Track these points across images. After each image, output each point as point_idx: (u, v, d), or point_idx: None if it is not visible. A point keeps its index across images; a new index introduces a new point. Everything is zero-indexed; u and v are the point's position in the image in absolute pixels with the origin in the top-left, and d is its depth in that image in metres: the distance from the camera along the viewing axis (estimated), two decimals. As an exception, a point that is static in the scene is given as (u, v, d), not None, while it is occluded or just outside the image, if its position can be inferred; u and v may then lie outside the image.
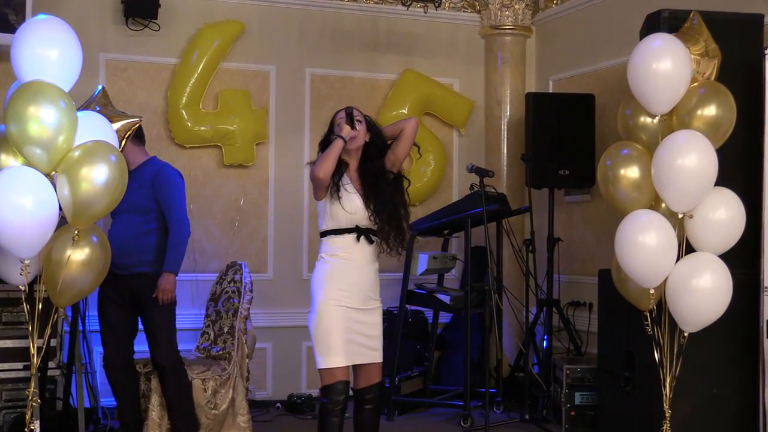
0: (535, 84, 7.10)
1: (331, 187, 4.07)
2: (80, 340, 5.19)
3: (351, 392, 4.13)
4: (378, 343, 4.15)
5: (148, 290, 4.77)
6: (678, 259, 4.10)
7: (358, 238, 4.09)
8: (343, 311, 4.03)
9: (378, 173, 4.15)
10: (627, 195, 4.17)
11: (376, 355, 4.13)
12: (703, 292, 4.04)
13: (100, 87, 4.86)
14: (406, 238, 4.22)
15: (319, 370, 4.03)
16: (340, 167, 4.11)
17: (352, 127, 4.07)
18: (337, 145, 4.04)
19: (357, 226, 4.08)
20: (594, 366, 5.56)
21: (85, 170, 3.86)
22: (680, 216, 4.07)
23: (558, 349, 6.36)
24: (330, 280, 4.06)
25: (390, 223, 4.12)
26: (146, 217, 4.83)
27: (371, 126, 4.22)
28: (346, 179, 4.10)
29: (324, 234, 4.13)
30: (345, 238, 4.09)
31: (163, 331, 4.84)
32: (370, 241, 4.11)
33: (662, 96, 4.06)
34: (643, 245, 4.03)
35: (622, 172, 4.17)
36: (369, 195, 4.11)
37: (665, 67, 4.02)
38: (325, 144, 4.16)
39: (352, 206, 4.06)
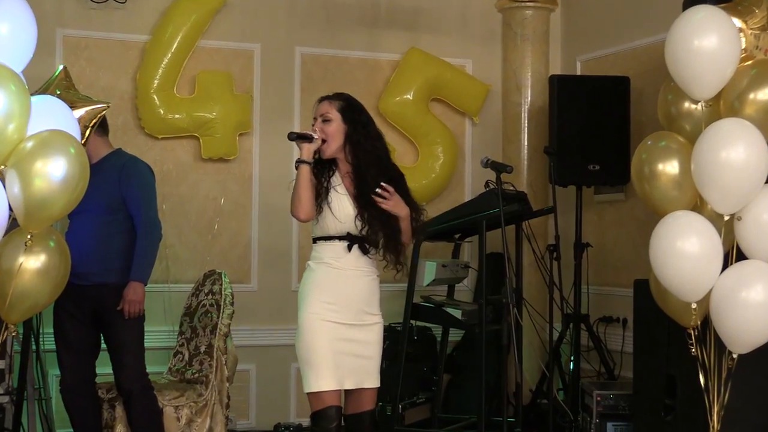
0: (561, 65, 7.10)
1: (320, 190, 4.08)
2: (33, 361, 5.18)
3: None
4: (373, 365, 4.16)
5: (113, 303, 4.77)
6: (724, 269, 4.09)
7: (349, 247, 4.08)
8: (330, 327, 4.04)
9: (371, 177, 4.13)
10: (665, 194, 4.17)
11: (370, 379, 4.15)
12: (753, 306, 4.03)
13: (60, 67, 4.86)
14: (402, 251, 4.20)
15: (308, 394, 4.06)
16: (330, 166, 4.10)
17: (308, 140, 4.06)
18: (303, 174, 4.05)
19: (348, 233, 4.08)
20: (629, 392, 5.56)
21: (39, 164, 3.86)
22: (726, 218, 4.06)
23: (587, 372, 6.36)
24: (314, 291, 4.08)
25: (386, 234, 4.12)
26: (110, 219, 4.83)
27: (345, 111, 4.18)
28: (336, 179, 4.09)
29: (314, 240, 4.17)
30: (335, 245, 4.10)
31: (130, 350, 4.85)
32: (365, 251, 4.10)
33: (706, 78, 4.05)
34: (683, 252, 4.03)
35: (660, 167, 4.16)
36: (362, 200, 4.11)
37: (709, 44, 4.01)
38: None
39: (341, 213, 4.09)
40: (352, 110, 4.20)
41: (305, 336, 4.04)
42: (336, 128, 4.13)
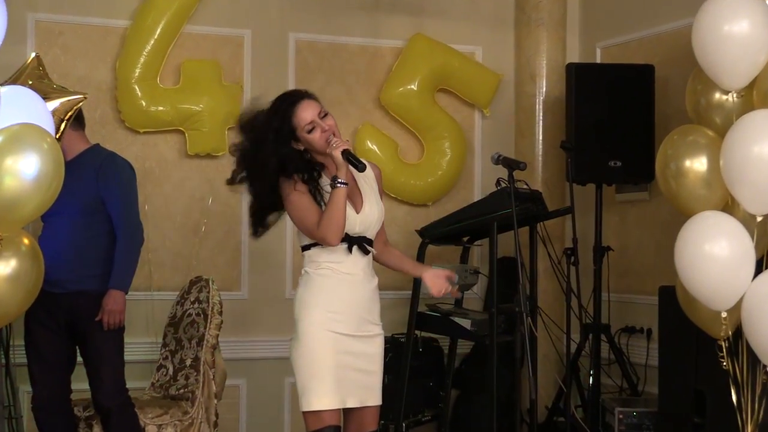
0: (579, 53, 7.10)
1: (312, 192, 4.05)
2: (3, 376, 5.17)
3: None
4: (376, 380, 4.15)
5: (90, 313, 4.78)
6: (757, 274, 4.08)
7: (350, 249, 4.08)
8: (333, 338, 4.02)
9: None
10: (693, 193, 4.17)
11: (372, 397, 4.13)
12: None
13: (33, 54, 4.85)
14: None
15: (304, 413, 4.03)
16: (314, 167, 4.08)
17: (359, 167, 3.99)
18: (343, 196, 3.97)
19: (347, 233, 4.07)
20: (654, 409, 5.57)
21: (9, 161, 3.87)
22: (759, 219, 4.05)
23: (608, 388, 6.35)
24: (316, 299, 4.07)
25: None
26: (87, 221, 4.84)
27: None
28: (325, 180, 4.07)
29: (307, 247, 4.13)
30: (334, 249, 4.08)
31: (108, 364, 4.86)
32: (366, 252, 4.10)
33: (737, 66, 4.06)
34: (711, 256, 4.03)
35: (688, 163, 4.18)
36: (357, 194, 4.12)
37: (740, 29, 4.01)
38: (284, 167, 4.04)
39: None
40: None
41: (306, 348, 4.02)
42: (334, 121, 4.10)
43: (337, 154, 3.96)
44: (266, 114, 4.07)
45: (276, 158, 4.01)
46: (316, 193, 4.05)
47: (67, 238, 4.79)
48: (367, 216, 4.11)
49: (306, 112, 4.03)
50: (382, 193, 4.31)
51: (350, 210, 4.07)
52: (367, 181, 4.19)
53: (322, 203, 4.04)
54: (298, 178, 4.03)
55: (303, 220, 4.04)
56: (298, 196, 4.02)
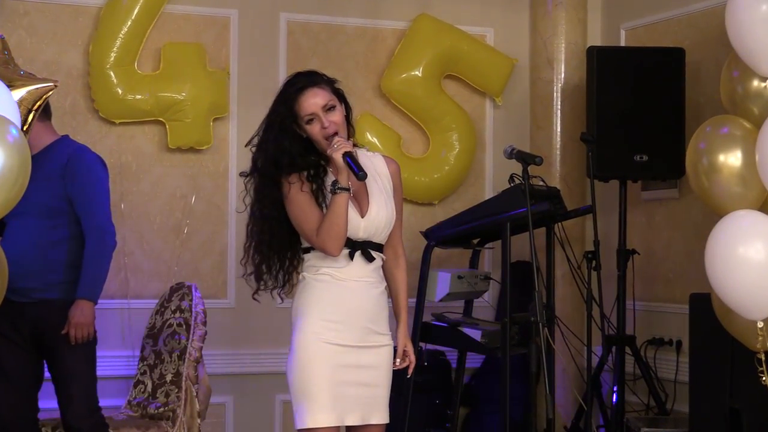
0: (601, 35, 7.11)
1: (315, 191, 4.05)
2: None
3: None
4: (382, 394, 4.14)
5: (56, 324, 4.78)
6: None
7: (351, 255, 4.06)
8: (332, 351, 4.02)
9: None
10: (727, 190, 4.18)
11: (377, 414, 4.12)
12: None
13: (-1, 36, 4.86)
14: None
15: (298, 431, 4.03)
16: (320, 164, 4.07)
17: (359, 175, 3.96)
18: (344, 202, 3.97)
19: (349, 238, 4.07)
20: (685, 429, 5.59)
21: (-30, 156, 3.85)
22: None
23: (633, 405, 6.37)
24: (313, 308, 4.06)
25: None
26: (54, 222, 4.85)
27: (340, 94, 4.15)
28: (330, 179, 4.07)
29: (306, 250, 4.14)
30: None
31: (78, 380, 4.87)
32: (370, 259, 4.09)
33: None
34: (746, 260, 4.02)
35: (721, 158, 4.18)
36: (364, 195, 4.11)
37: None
38: (277, 160, 4.04)
39: None
40: (339, 89, 4.17)
41: (300, 360, 4.02)
42: (341, 117, 4.10)
43: (338, 156, 3.95)
44: (275, 98, 4.11)
45: (273, 147, 4.03)
46: (318, 194, 4.04)
47: (31, 241, 4.80)
48: (373, 220, 4.09)
49: (308, 102, 4.03)
50: (401, 191, 4.27)
51: (354, 213, 4.06)
52: (378, 180, 4.17)
53: (324, 205, 4.03)
54: (303, 177, 4.04)
55: (301, 225, 4.03)
56: (297, 194, 4.02)
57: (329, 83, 4.12)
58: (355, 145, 4.18)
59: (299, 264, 4.15)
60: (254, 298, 4.20)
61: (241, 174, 4.18)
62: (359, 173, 3.92)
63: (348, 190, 3.97)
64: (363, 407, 4.08)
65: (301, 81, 4.09)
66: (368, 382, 4.09)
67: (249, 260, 4.14)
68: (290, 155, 4.04)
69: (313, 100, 4.04)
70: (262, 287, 4.16)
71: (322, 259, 4.08)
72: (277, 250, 4.12)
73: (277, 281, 4.16)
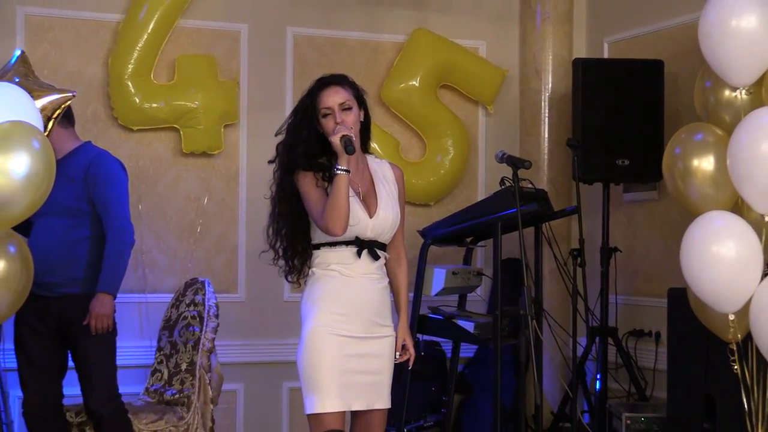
0: (586, 48, 7.09)
1: (327, 189, 4.08)
2: (-7, 381, 5.21)
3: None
4: (385, 381, 4.17)
5: (79, 317, 4.78)
6: (766, 275, 4.09)
7: (359, 253, 4.09)
8: (338, 341, 4.05)
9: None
10: (701, 193, 4.18)
11: (380, 400, 4.15)
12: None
13: (18, 52, 4.86)
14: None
15: (307, 416, 4.05)
16: (331, 163, 4.09)
17: (347, 149, 4.01)
18: (345, 184, 4.00)
19: (357, 237, 4.09)
20: (662, 414, 5.56)
21: (-1, 159, 3.86)
22: (767, 219, 4.06)
23: (615, 392, 6.35)
24: (322, 301, 4.09)
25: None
26: (77, 222, 4.84)
27: (360, 97, 4.20)
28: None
29: (317, 246, 4.16)
30: (342, 252, 4.11)
31: (99, 369, 4.86)
32: (376, 257, 4.11)
33: (744, 62, 4.06)
34: (718, 257, 4.04)
35: (696, 163, 4.19)
36: (373, 197, 4.15)
37: (748, 24, 4.02)
38: (303, 141, 4.13)
39: (351, 216, 4.07)
40: (362, 95, 4.21)
41: (310, 350, 4.04)
42: (355, 118, 4.13)
43: (335, 139, 3.99)
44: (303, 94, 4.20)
45: (292, 135, 4.12)
46: (329, 184, 4.08)
47: (56, 239, 4.79)
48: (381, 221, 4.13)
49: (328, 97, 4.09)
50: (404, 196, 4.32)
51: (363, 214, 4.09)
52: (385, 185, 4.21)
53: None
54: (318, 176, 4.09)
55: (311, 211, 4.08)
56: (312, 188, 4.07)
57: (353, 87, 4.16)
58: (367, 152, 4.24)
59: (309, 258, 4.18)
60: (288, 280, 4.26)
61: (269, 162, 4.25)
62: (348, 147, 3.96)
63: (348, 171, 3.99)
64: (368, 394, 4.10)
65: (328, 79, 4.17)
66: (373, 369, 4.12)
67: (274, 240, 4.22)
68: (306, 144, 4.10)
69: (333, 97, 4.09)
70: (287, 271, 4.22)
71: (330, 256, 4.11)
72: (291, 239, 4.17)
73: (292, 267, 4.20)
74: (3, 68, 4.67)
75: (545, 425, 6.31)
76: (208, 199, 6.43)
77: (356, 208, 4.09)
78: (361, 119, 4.18)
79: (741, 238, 4.06)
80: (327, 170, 4.08)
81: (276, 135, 4.25)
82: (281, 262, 4.24)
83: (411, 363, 4.30)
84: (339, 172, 3.99)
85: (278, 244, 4.21)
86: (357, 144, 4.08)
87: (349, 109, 4.10)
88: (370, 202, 4.14)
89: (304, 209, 4.13)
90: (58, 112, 4.68)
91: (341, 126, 4.03)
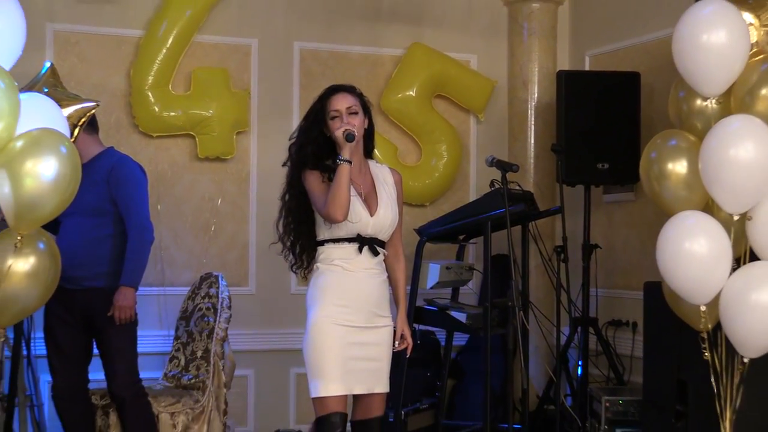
0: (569, 60, 7.09)
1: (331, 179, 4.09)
2: (24, 366, 5.19)
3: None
4: (384, 367, 4.18)
5: (103, 308, 4.78)
6: (734, 270, 4.10)
7: (360, 249, 4.10)
8: (342, 331, 4.05)
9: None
10: (675, 194, 4.18)
11: (379, 384, 4.16)
12: (763, 309, 4.04)
13: (48, 64, 4.86)
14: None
15: (312, 399, 4.07)
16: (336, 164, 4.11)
17: (347, 137, 4.03)
18: (346, 173, 4.01)
19: (359, 235, 4.10)
20: (638, 398, 5.56)
21: (29, 164, 3.86)
22: (736, 218, 4.06)
23: (595, 378, 6.35)
24: (326, 294, 4.10)
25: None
26: (100, 221, 4.83)
27: (365, 105, 4.23)
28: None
29: (321, 243, 4.17)
30: (344, 247, 4.12)
31: (122, 356, 4.86)
32: (375, 253, 4.12)
33: (714, 74, 4.06)
34: (690, 253, 4.03)
35: (670, 166, 4.18)
36: (374, 198, 4.16)
37: (717, 39, 4.01)
38: (312, 141, 4.15)
39: (354, 214, 4.08)
40: (368, 105, 4.23)
41: (315, 339, 4.04)
42: (360, 123, 4.14)
43: (339, 133, 4.02)
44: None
45: (303, 135, 4.15)
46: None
47: (81, 237, 4.78)
48: (381, 220, 4.14)
49: (337, 102, 4.11)
50: (402, 198, 4.33)
51: (365, 212, 4.10)
52: (385, 188, 4.22)
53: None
54: (324, 176, 4.10)
55: (315, 202, 4.09)
56: (318, 183, 4.09)
57: (360, 96, 4.19)
58: (370, 158, 4.25)
59: (314, 253, 4.18)
60: (294, 271, 4.29)
61: (283, 165, 4.26)
62: (348, 136, 4.00)
63: (349, 162, 4.00)
64: (368, 379, 4.11)
65: (338, 86, 4.21)
66: (372, 356, 4.13)
67: (283, 234, 4.25)
68: (315, 145, 4.13)
69: (341, 101, 4.11)
70: (292, 262, 4.24)
71: (334, 253, 4.12)
72: (298, 234, 4.20)
73: (300, 261, 4.22)
74: (33, 79, 4.67)
75: (531, 407, 6.30)
76: (222, 200, 6.42)
77: (358, 207, 4.10)
78: (366, 126, 4.20)
79: (712, 235, 4.06)
80: (332, 171, 4.08)
81: (290, 139, 4.25)
82: (290, 257, 4.23)
83: (409, 352, 4.29)
84: (340, 162, 4.00)
85: (286, 238, 4.21)
86: (359, 137, 4.10)
87: (355, 113, 4.13)
88: (371, 203, 4.15)
89: (311, 207, 4.13)
90: (83, 119, 4.68)
91: (344, 124, 4.06)
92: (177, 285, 6.17)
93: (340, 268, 4.11)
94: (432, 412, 6.36)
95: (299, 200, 4.17)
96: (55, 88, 4.67)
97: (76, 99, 4.71)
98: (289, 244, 4.22)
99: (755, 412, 4.43)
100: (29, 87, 4.51)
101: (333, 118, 4.11)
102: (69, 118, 4.46)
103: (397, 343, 4.23)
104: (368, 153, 4.29)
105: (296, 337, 4.33)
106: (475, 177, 7.03)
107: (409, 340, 4.27)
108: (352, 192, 4.09)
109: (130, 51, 6.22)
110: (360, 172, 4.18)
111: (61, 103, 4.44)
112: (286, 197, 4.23)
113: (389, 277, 4.27)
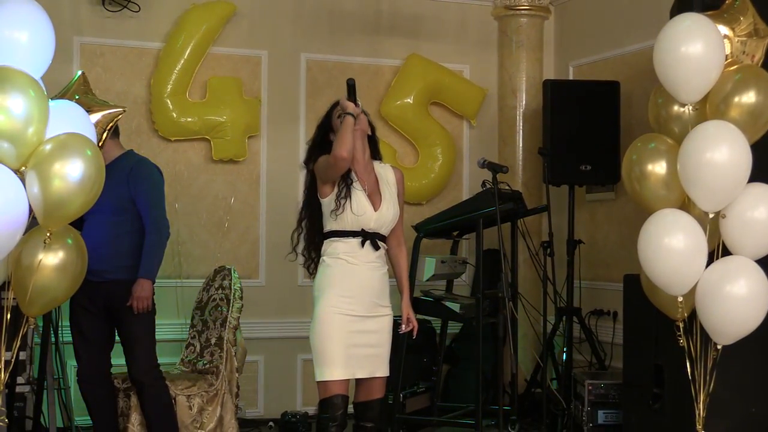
0: (554, 70, 7.09)
1: (339, 184, 4.09)
2: (52, 352, 5.18)
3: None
4: (384, 353, 4.17)
5: (124, 299, 4.75)
6: (710, 264, 4.09)
7: (362, 243, 4.09)
8: (345, 319, 4.05)
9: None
10: (655, 193, 4.17)
11: (379, 368, 4.15)
12: (736, 300, 4.02)
13: (79, 72, 4.85)
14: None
15: (317, 382, 4.07)
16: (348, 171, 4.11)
17: (356, 103, 4.06)
18: (349, 122, 4.03)
19: (363, 229, 4.09)
20: (619, 381, 5.56)
21: (57, 166, 3.84)
22: (711, 216, 4.06)
23: (579, 363, 6.35)
24: (331, 285, 4.09)
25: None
26: (121, 218, 4.81)
27: (370, 121, 4.26)
28: (353, 175, 4.10)
29: (327, 235, 4.16)
30: (349, 242, 4.11)
31: (141, 343, 4.83)
32: (376, 248, 4.11)
33: (692, 83, 4.05)
34: (669, 248, 4.02)
35: (650, 167, 4.16)
36: (378, 195, 4.16)
37: (695, 50, 4.01)
38: (318, 145, 4.18)
39: (359, 207, 4.08)
40: (370, 122, 4.27)
41: (320, 327, 4.04)
42: (365, 124, 4.17)
43: (343, 100, 4.09)
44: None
45: (319, 134, 4.21)
46: (342, 192, 4.10)
47: (104, 233, 4.75)
48: (383, 215, 4.14)
49: (346, 104, 4.10)
50: (403, 195, 4.31)
51: (369, 207, 4.10)
52: (388, 187, 4.22)
53: (348, 199, 4.08)
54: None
55: (321, 162, 4.11)
56: (323, 158, 4.10)
57: (363, 112, 4.19)
58: (375, 158, 4.24)
59: (320, 247, 4.19)
60: (305, 267, 4.30)
61: (301, 166, 4.33)
62: (350, 97, 4.07)
63: (353, 115, 4.03)
64: (370, 364, 4.11)
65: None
66: (374, 343, 4.12)
67: (301, 234, 4.27)
68: (322, 148, 4.15)
69: (350, 105, 4.10)
70: (305, 262, 4.27)
71: (339, 247, 4.11)
72: (310, 231, 4.23)
73: (308, 259, 4.24)
74: (66, 87, 4.66)
75: (520, 391, 6.31)
76: (234, 199, 6.42)
77: (363, 201, 4.10)
78: (369, 133, 4.21)
79: (689, 232, 4.05)
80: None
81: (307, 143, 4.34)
82: (300, 259, 4.26)
83: (415, 333, 4.27)
84: (345, 115, 4.04)
85: (302, 233, 4.25)
86: (365, 129, 4.15)
87: (362, 112, 4.15)
88: (374, 199, 4.15)
89: (320, 207, 4.14)
90: (111, 125, 4.67)
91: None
92: (193, 277, 6.16)
93: (344, 261, 4.10)
94: (428, 394, 6.35)
95: (311, 197, 4.21)
96: (86, 94, 4.65)
97: (105, 105, 4.70)
98: (303, 238, 4.25)
99: (726, 395, 4.42)
100: (61, 94, 4.50)
101: (340, 116, 4.13)
102: (98, 123, 4.45)
103: (403, 326, 4.22)
104: (374, 155, 4.28)
105: (303, 326, 4.32)
106: (467, 178, 7.02)
107: (415, 322, 4.26)
108: (358, 187, 4.11)
109: (150, 62, 6.22)
110: (366, 170, 4.19)
111: (92, 108, 4.42)
112: (304, 197, 4.28)
113: (392, 266, 4.28)
